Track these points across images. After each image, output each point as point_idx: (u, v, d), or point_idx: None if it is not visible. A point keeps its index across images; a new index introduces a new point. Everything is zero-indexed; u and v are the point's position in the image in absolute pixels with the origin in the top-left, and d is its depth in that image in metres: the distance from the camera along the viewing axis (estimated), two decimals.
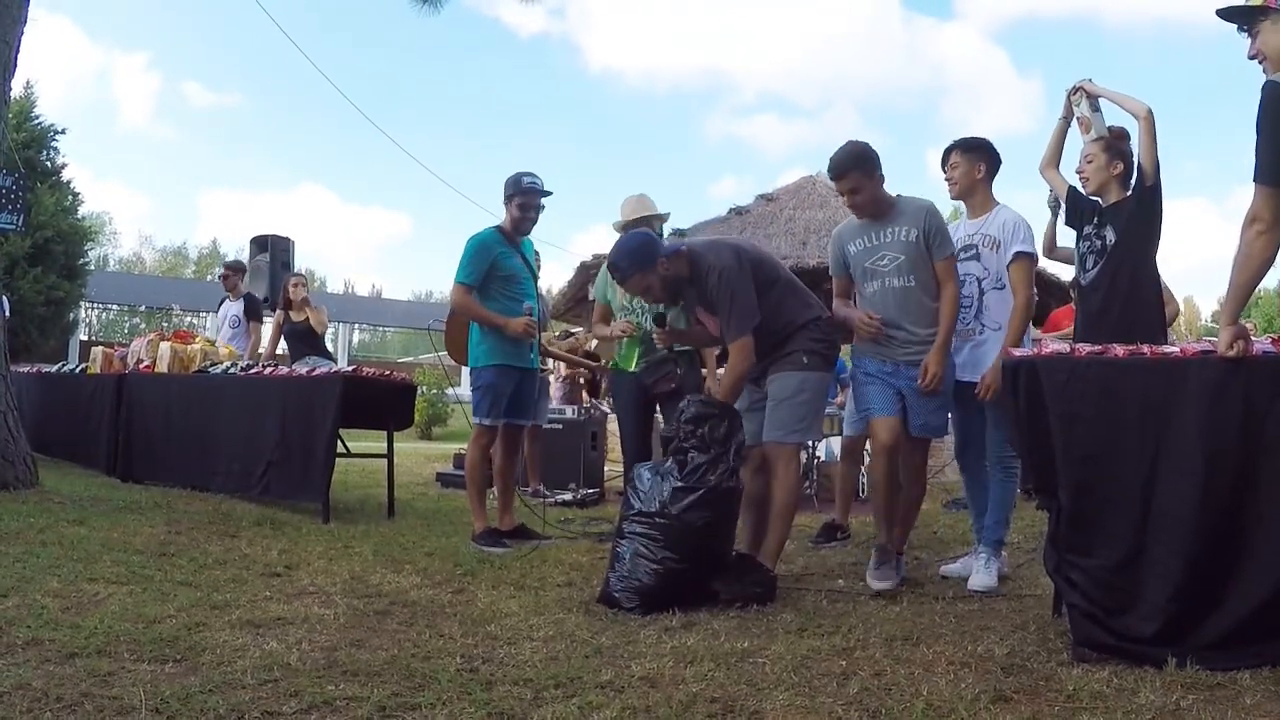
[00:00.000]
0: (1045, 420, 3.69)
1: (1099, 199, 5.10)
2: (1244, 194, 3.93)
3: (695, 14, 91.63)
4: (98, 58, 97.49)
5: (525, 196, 6.42)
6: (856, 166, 4.95)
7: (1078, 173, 5.17)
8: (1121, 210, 4.99)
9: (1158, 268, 5.04)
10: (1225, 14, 3.73)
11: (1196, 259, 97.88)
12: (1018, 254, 5.12)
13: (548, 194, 6.51)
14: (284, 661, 3.32)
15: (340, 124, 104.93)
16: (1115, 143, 5.10)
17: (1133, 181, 5.00)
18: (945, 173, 5.41)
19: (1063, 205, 5.38)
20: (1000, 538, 5.17)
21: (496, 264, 6.35)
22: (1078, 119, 5.26)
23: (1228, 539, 3.34)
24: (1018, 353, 4.00)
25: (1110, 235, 4.97)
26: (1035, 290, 5.21)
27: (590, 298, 17.48)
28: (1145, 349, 3.69)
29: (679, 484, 4.48)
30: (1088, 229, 5.12)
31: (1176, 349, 3.63)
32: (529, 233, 6.58)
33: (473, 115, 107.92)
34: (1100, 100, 5.19)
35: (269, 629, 3.81)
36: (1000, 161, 5.38)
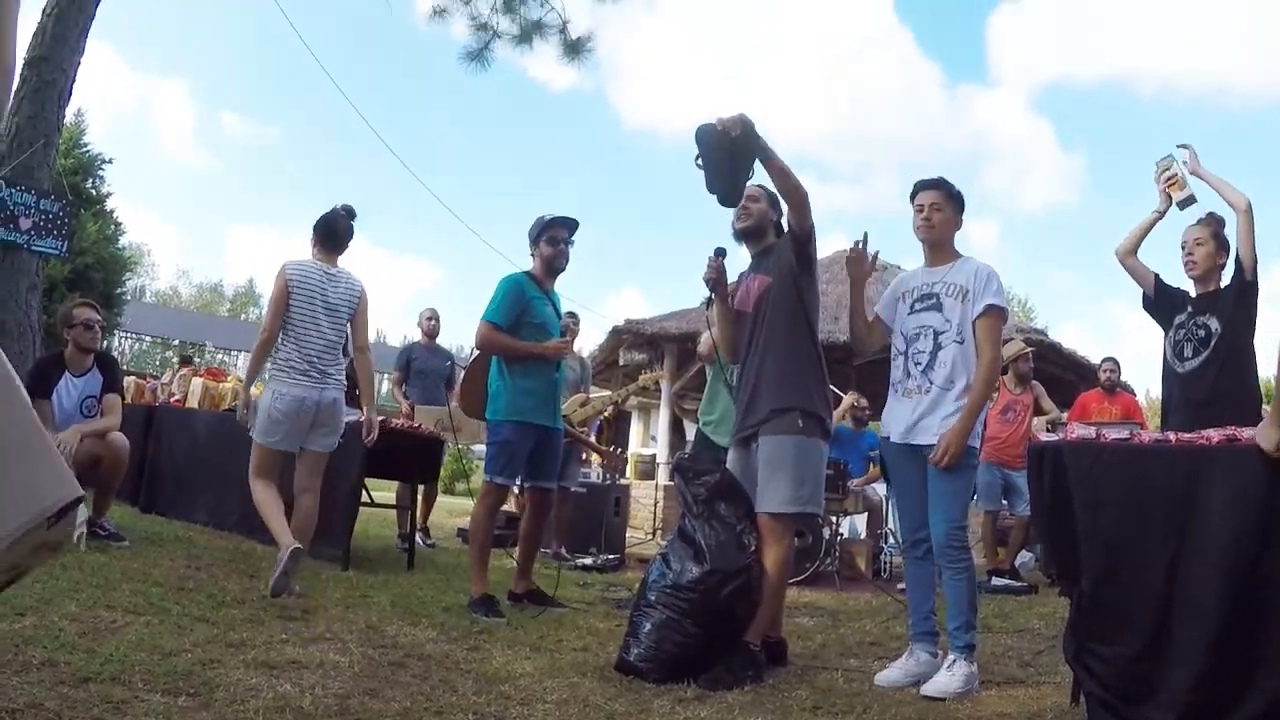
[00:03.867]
0: (1070, 505, 3.67)
1: (1197, 285, 5.09)
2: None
3: (730, 76, 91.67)
4: (137, 86, 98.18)
5: (553, 230, 6.13)
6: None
7: (1186, 255, 5.06)
8: (1222, 300, 4.98)
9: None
10: None
11: None
12: (990, 307, 4.64)
13: (576, 223, 6.23)
14: (297, 705, 3.31)
15: (372, 167, 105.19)
16: (1221, 231, 5.07)
17: (1225, 272, 5.01)
18: (920, 210, 4.85)
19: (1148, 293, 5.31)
20: (969, 643, 4.46)
21: (529, 310, 6.00)
22: (1168, 175, 5.21)
23: (1251, 632, 3.27)
24: (1044, 436, 3.98)
25: (1215, 325, 4.95)
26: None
27: (620, 362, 17.66)
28: (1171, 436, 3.69)
29: (709, 562, 4.47)
30: (1180, 317, 5.09)
31: (1213, 436, 3.59)
32: (563, 269, 6.25)
33: (506, 169, 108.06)
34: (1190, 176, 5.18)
35: (283, 671, 3.79)
36: None
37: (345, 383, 6.30)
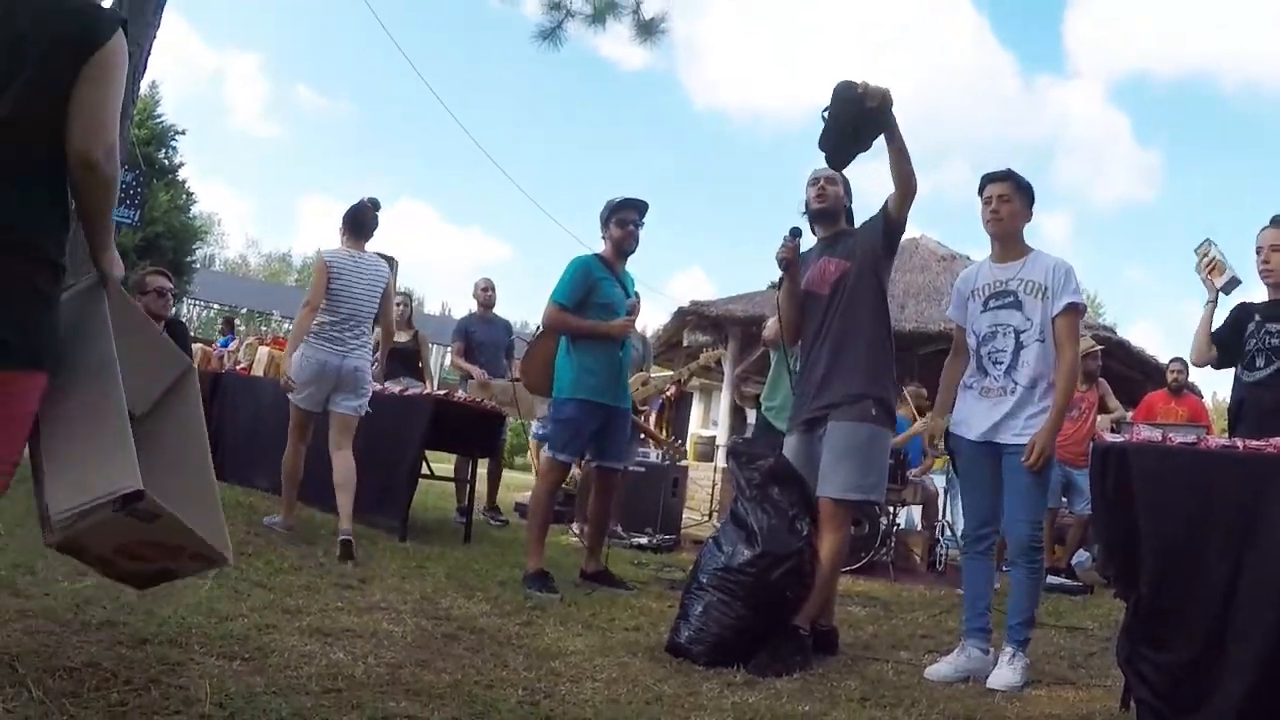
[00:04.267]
0: (1131, 507, 3.60)
1: (1272, 291, 4.94)
2: None
3: (801, 59, 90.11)
4: (211, 59, 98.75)
5: (623, 211, 6.23)
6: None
7: (1262, 261, 4.93)
8: None
9: None
10: None
11: None
12: (1070, 305, 4.61)
13: (645, 205, 6.32)
14: (349, 673, 3.34)
15: (442, 142, 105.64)
16: None
17: None
18: (988, 202, 4.76)
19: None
20: (1028, 637, 4.55)
21: (596, 290, 6.08)
22: (1207, 261, 5.12)
23: None
24: (1109, 436, 3.93)
25: None
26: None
27: (684, 343, 17.65)
28: (1238, 443, 3.62)
29: (761, 544, 4.47)
30: (1250, 326, 4.98)
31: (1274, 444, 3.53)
32: (633, 251, 6.34)
33: (575, 147, 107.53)
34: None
35: (337, 639, 3.83)
36: None
37: (371, 354, 6.75)
